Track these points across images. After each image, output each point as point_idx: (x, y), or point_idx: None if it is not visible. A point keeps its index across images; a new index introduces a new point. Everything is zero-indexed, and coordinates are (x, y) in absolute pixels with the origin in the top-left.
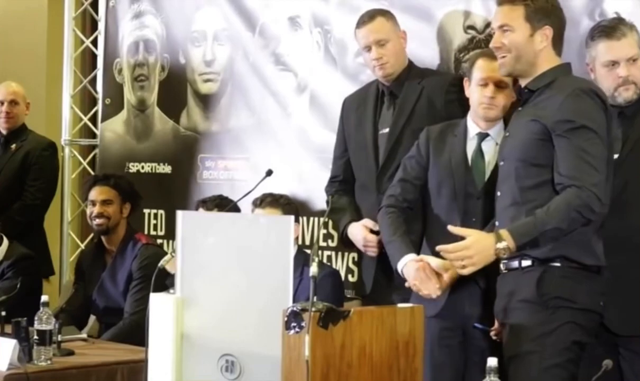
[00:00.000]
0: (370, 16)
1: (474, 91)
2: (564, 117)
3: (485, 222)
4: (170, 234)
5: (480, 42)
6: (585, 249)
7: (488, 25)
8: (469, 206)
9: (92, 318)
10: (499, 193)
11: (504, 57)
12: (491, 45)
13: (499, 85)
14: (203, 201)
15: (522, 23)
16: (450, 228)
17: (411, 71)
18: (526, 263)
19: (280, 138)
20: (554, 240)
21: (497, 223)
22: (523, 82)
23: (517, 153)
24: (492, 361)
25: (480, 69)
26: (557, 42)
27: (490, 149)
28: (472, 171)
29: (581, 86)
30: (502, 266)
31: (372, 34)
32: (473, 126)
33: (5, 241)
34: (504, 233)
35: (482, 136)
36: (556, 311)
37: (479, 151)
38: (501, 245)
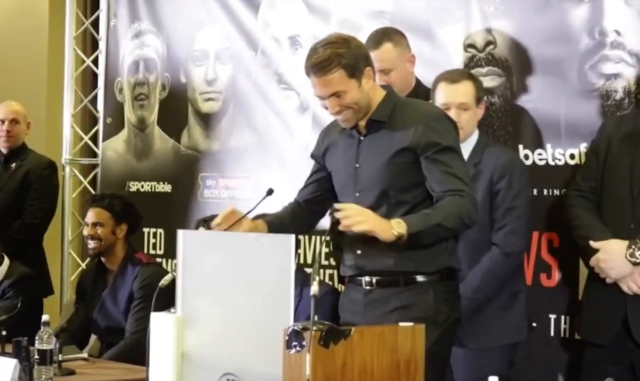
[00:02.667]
0: (376, 42)
1: None
2: (430, 140)
3: (465, 239)
4: (170, 253)
5: (480, 60)
6: (457, 256)
7: (488, 43)
8: None
9: (93, 337)
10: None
11: (346, 115)
12: (330, 112)
13: (462, 107)
14: (204, 220)
15: (348, 82)
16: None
17: (419, 90)
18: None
19: (282, 157)
20: (436, 237)
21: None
22: (363, 120)
23: (386, 182)
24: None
25: (441, 93)
26: (374, 72)
27: None
28: None
29: (434, 112)
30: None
31: (376, 62)
32: None
33: (6, 261)
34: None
35: None
36: (447, 327)
37: None
38: (394, 221)
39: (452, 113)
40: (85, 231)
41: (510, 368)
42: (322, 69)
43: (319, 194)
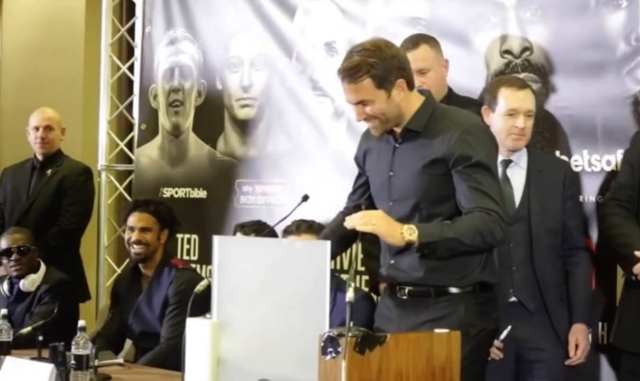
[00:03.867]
0: (414, 43)
1: (499, 121)
2: (462, 154)
3: (526, 247)
4: (204, 259)
5: (516, 66)
6: (491, 270)
7: (524, 50)
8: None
9: (128, 342)
10: None
11: (373, 124)
12: (357, 119)
13: (528, 114)
14: (242, 225)
15: (375, 92)
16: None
17: (451, 99)
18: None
19: (317, 163)
20: (452, 251)
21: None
22: (399, 127)
23: (419, 193)
24: None
25: (507, 99)
26: (411, 81)
27: (516, 175)
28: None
29: (471, 123)
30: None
31: (414, 62)
32: None
33: (43, 266)
34: (408, 225)
35: (506, 163)
36: (479, 340)
37: (505, 178)
38: (406, 227)
39: (519, 120)
40: (133, 236)
41: None
42: (350, 76)
43: (368, 197)
